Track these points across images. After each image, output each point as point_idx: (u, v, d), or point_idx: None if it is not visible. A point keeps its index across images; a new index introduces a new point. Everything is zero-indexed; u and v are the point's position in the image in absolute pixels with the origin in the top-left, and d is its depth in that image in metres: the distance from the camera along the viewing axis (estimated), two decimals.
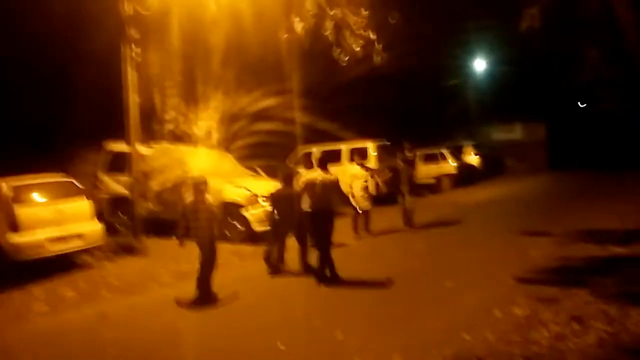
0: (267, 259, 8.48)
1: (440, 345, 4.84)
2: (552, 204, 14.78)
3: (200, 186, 7.25)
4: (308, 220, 7.94)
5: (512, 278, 6.99)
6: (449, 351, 4.70)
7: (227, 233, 10.98)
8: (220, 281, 7.77)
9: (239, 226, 11.00)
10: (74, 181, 10.04)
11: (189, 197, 7.77)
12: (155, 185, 11.61)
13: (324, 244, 7.71)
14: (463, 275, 7.41)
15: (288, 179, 8.47)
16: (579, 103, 31.26)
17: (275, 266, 8.41)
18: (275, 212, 8.35)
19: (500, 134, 28.28)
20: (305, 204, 7.95)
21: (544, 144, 26.97)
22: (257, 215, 10.82)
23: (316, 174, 8.09)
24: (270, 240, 8.59)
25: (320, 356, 5.00)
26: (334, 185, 8.12)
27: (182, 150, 12.50)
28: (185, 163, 11.63)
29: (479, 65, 28.59)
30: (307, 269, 8.19)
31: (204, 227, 7.18)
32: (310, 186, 7.92)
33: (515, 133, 28.07)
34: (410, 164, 11.87)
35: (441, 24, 20.34)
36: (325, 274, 7.60)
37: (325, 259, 7.65)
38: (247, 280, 8.20)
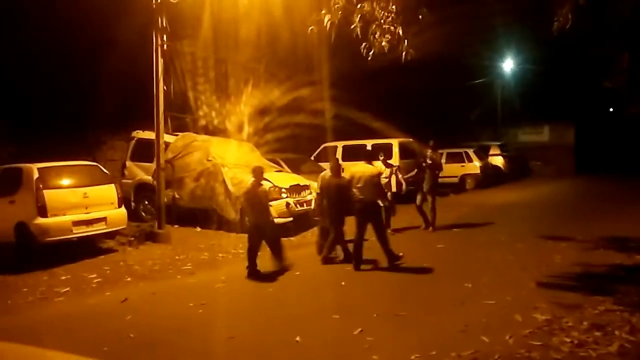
0: (320, 249, 8.84)
1: (458, 346, 4.81)
2: (577, 209, 14.53)
3: (258, 173, 7.96)
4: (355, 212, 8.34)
5: (534, 282, 6.90)
6: (466, 352, 4.67)
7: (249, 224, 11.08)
8: (238, 272, 7.87)
9: None
10: (100, 166, 10.23)
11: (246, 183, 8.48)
12: (178, 173, 11.74)
13: (358, 234, 8.19)
14: (484, 277, 7.32)
15: (336, 169, 8.71)
16: (609, 108, 30.70)
17: (326, 257, 8.64)
18: (324, 201, 8.67)
19: (527, 136, 27.87)
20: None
21: (571, 147, 26.48)
22: (278, 207, 10.86)
23: (361, 167, 8.59)
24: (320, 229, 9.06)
25: (337, 351, 5.01)
26: (375, 179, 8.37)
27: (206, 139, 12.60)
28: (208, 152, 11.73)
29: (508, 65, 28.20)
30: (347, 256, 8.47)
31: (259, 211, 7.90)
32: (355, 179, 8.29)
33: (542, 135, 27.61)
34: (435, 163, 11.69)
35: (471, 22, 20.03)
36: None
37: (356, 248, 8.16)
38: (266, 270, 8.26)
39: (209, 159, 11.55)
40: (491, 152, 22.53)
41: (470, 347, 4.77)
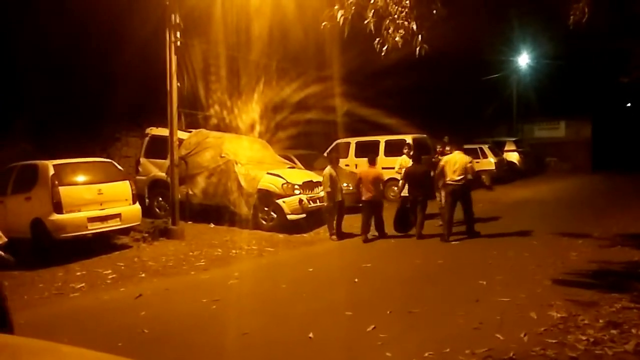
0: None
1: (472, 344, 4.78)
2: (593, 206, 14.36)
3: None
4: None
5: (549, 279, 6.84)
6: (481, 350, 4.63)
7: (262, 221, 11.10)
8: (251, 268, 7.88)
9: (273, 214, 11.08)
10: (114, 163, 10.31)
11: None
12: (192, 170, 11.80)
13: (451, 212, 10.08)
14: (498, 274, 7.26)
15: (418, 158, 10.62)
16: (627, 103, 30.27)
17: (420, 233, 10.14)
18: (406, 185, 10.29)
19: (543, 132, 27.61)
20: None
21: (588, 143, 26.16)
22: (291, 204, 10.88)
23: (455, 156, 10.18)
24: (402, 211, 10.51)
25: (350, 348, 5.00)
26: (469, 164, 10.12)
27: (219, 136, 12.64)
28: (221, 149, 11.76)
29: (524, 59, 27.89)
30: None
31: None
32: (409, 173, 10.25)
33: (558, 131, 27.32)
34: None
35: (486, 16, 19.87)
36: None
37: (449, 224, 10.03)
38: (279, 267, 8.27)
39: (222, 155, 11.58)
40: (506, 148, 22.35)
41: (484, 345, 4.73)
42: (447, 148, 11.55)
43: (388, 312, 5.85)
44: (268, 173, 11.26)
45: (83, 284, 7.53)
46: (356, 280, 7.35)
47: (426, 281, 7.27)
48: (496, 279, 6.99)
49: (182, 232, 10.63)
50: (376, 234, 10.40)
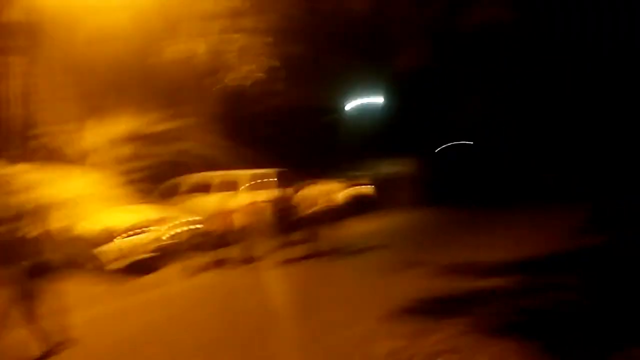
0: None
1: None
2: (429, 237, 15.33)
3: None
4: None
5: (382, 313, 6.99)
6: None
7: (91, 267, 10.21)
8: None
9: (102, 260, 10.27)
10: None
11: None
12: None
13: None
14: (330, 313, 7.31)
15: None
16: (463, 141, 33.40)
17: None
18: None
19: (387, 167, 29.24)
20: None
21: (423, 178, 28.26)
22: (111, 252, 10.20)
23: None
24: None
25: None
26: None
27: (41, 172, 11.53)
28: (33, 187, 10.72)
29: (368, 99, 29.46)
30: None
31: None
32: None
33: (401, 167, 29.16)
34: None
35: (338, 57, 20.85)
36: None
37: None
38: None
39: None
40: (358, 182, 23.30)
41: None
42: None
43: None
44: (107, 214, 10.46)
45: None
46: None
47: (255, 327, 7.07)
48: (326, 319, 7.02)
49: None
50: None
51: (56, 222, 10.16)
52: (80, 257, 10.15)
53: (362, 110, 29.87)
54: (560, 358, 4.96)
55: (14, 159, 11.66)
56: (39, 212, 10.17)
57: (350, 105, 29.16)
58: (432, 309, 7.17)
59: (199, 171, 16.69)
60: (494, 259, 10.39)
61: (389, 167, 29.15)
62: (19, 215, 10.17)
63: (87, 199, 10.89)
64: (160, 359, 6.03)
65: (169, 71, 15.39)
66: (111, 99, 16.21)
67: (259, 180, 14.42)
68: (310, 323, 6.90)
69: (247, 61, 6.36)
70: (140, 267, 10.88)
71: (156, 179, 16.16)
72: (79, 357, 6.30)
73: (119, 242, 10.32)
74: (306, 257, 11.94)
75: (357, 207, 22.04)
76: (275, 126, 21.86)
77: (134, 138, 16.52)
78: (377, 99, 29.13)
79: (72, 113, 15.25)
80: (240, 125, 20.09)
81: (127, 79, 16.29)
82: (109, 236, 10.21)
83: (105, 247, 10.03)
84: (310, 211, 11.18)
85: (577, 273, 8.83)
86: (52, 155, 13.83)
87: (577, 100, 17.26)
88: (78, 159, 14.45)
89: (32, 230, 7.26)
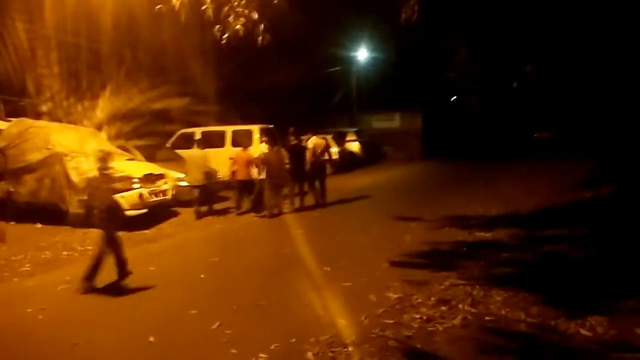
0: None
1: (317, 331, 4.85)
2: (425, 191, 15.60)
3: (103, 158, 6.93)
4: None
5: (387, 262, 7.22)
6: (325, 337, 4.72)
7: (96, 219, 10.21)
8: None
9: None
10: None
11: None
12: (13, 164, 10.48)
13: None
14: (341, 259, 7.52)
15: (273, 145, 11.88)
16: (452, 97, 33.52)
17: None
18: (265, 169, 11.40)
19: (380, 123, 29.28)
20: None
21: (420, 133, 28.36)
22: (130, 199, 10.17)
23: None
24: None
25: (193, 348, 4.78)
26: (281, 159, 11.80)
27: (44, 126, 11.40)
28: (47, 140, 10.59)
29: (362, 54, 29.21)
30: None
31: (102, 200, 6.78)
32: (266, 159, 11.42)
33: (394, 122, 29.20)
34: (297, 148, 12.46)
35: (326, 9, 20.49)
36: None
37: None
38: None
39: (48, 147, 10.43)
40: (347, 138, 23.31)
41: (328, 332, 4.83)
42: (292, 137, 12.67)
43: (234, 307, 5.71)
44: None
45: None
46: (202, 276, 7.10)
47: (273, 272, 7.26)
48: (339, 265, 7.22)
49: (2, 234, 9.41)
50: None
51: (72, 171, 10.20)
52: None
53: (361, 65, 29.62)
54: (563, 307, 5.13)
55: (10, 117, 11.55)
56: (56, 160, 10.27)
57: (353, 59, 28.84)
58: (435, 259, 7.40)
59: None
60: (494, 212, 10.71)
61: (381, 123, 29.23)
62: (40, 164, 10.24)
63: (89, 153, 10.81)
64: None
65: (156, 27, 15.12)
66: (115, 73, 16.03)
67: (265, 134, 14.44)
68: (325, 267, 7.13)
69: (253, 8, 6.18)
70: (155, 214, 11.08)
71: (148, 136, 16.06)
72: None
73: (137, 190, 10.40)
74: (314, 207, 12.47)
75: (353, 160, 22.24)
76: (268, 83, 21.61)
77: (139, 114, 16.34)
78: (378, 53, 28.77)
79: (65, 73, 15.06)
80: (242, 84, 19.96)
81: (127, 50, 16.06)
82: (128, 183, 10.21)
83: (125, 194, 10.02)
84: (312, 162, 12.36)
85: (580, 225, 9.11)
86: (49, 115, 13.76)
87: (578, 57, 17.21)
88: (72, 118, 14.37)
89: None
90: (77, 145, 10.72)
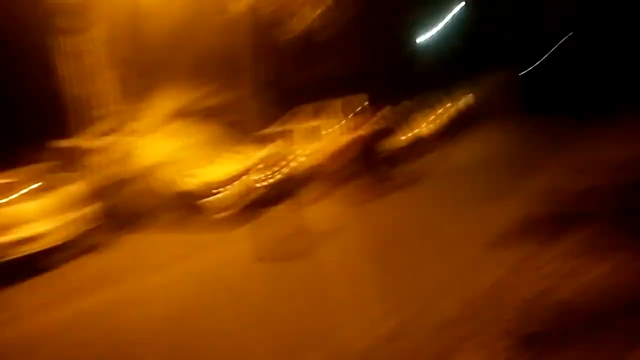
0: None
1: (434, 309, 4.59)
2: (524, 159, 14.20)
3: None
4: None
5: (484, 242, 6.49)
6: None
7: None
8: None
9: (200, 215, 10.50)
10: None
11: None
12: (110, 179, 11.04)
13: None
14: (434, 241, 7.05)
15: None
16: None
17: None
18: None
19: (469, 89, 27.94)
20: None
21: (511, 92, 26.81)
22: (221, 201, 10.37)
23: None
24: None
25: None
26: None
27: (133, 141, 11.90)
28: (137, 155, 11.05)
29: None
30: None
31: None
32: None
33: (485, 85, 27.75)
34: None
35: None
36: None
37: None
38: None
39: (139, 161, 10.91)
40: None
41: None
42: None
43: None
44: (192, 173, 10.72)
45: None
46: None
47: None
48: (439, 244, 6.84)
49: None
50: None
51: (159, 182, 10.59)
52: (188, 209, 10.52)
53: (440, 34, 28.34)
54: None
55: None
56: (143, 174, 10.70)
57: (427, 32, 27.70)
58: (534, 235, 6.44)
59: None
60: (595, 183, 9.39)
61: (476, 87, 27.78)
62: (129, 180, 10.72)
63: (180, 159, 11.18)
64: None
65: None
66: (168, 73, 16.28)
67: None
68: (415, 252, 6.71)
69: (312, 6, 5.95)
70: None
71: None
72: None
73: (222, 194, 10.53)
74: (403, 187, 11.73)
75: (449, 129, 21.23)
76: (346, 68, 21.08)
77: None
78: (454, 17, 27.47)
79: (131, 90, 15.45)
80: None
81: (181, 52, 16.26)
82: (210, 188, 10.42)
83: (210, 199, 10.29)
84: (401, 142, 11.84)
85: None
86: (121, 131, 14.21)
87: None
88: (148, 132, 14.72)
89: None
90: (165, 153, 11.17)
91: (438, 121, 21.07)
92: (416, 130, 12.15)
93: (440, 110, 21.99)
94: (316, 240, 7.93)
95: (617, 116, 15.57)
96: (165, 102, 15.76)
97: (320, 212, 10.64)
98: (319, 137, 13.22)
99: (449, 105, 22.70)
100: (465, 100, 23.98)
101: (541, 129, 20.38)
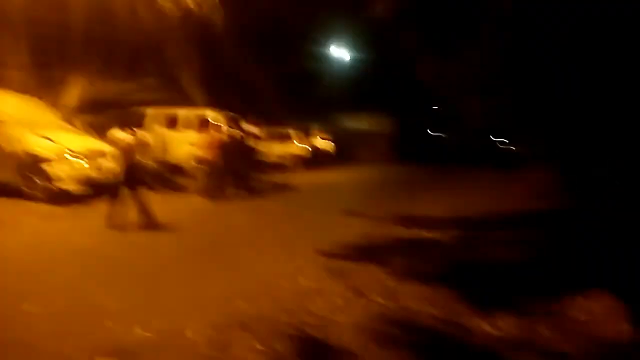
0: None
1: (210, 311, 4.59)
2: (385, 190, 15.40)
3: None
4: None
5: (315, 252, 6.93)
6: (216, 317, 4.45)
7: (26, 189, 9.68)
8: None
9: (39, 182, 9.60)
10: None
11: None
12: None
13: None
14: (268, 246, 7.28)
15: None
16: (433, 106, 33.32)
17: None
18: None
19: (351, 122, 29.01)
20: None
21: (391, 136, 28.24)
22: (65, 171, 9.70)
23: None
24: None
25: (78, 320, 4.47)
26: None
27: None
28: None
29: (337, 51, 28.55)
30: None
31: None
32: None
33: (365, 123, 28.98)
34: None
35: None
36: None
37: None
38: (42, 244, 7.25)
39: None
40: (316, 134, 22.98)
41: (222, 313, 4.59)
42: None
43: (135, 281, 5.38)
44: (39, 136, 9.88)
45: None
46: (112, 253, 6.71)
47: (191, 251, 6.93)
48: (263, 251, 6.99)
49: None
50: None
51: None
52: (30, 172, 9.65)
53: (331, 63, 29.04)
54: (477, 305, 4.92)
55: None
56: None
57: (319, 56, 28.26)
58: (364, 251, 7.10)
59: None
60: (443, 214, 10.39)
61: (354, 122, 28.94)
62: None
63: (27, 122, 10.31)
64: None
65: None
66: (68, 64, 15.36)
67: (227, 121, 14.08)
68: (251, 253, 6.89)
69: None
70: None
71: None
72: None
73: (74, 163, 9.88)
74: (261, 196, 12.26)
75: (317, 158, 21.91)
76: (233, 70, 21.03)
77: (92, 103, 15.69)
78: (346, 52, 28.38)
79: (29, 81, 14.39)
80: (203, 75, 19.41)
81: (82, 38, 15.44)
82: (61, 154, 9.74)
83: (60, 166, 9.59)
84: (271, 158, 11.31)
85: (526, 230, 8.99)
86: None
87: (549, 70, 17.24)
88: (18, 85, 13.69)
89: None
90: (13, 112, 10.21)
91: (303, 147, 21.62)
92: (289, 149, 12.41)
93: (311, 138, 22.59)
94: (152, 232, 7.75)
95: (481, 169, 17.26)
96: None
97: (171, 203, 10.47)
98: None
99: (319, 134, 23.40)
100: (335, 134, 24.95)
101: (404, 170, 21.98)
